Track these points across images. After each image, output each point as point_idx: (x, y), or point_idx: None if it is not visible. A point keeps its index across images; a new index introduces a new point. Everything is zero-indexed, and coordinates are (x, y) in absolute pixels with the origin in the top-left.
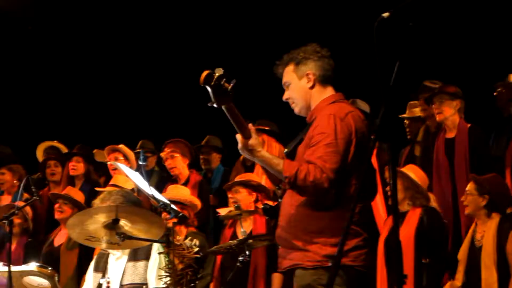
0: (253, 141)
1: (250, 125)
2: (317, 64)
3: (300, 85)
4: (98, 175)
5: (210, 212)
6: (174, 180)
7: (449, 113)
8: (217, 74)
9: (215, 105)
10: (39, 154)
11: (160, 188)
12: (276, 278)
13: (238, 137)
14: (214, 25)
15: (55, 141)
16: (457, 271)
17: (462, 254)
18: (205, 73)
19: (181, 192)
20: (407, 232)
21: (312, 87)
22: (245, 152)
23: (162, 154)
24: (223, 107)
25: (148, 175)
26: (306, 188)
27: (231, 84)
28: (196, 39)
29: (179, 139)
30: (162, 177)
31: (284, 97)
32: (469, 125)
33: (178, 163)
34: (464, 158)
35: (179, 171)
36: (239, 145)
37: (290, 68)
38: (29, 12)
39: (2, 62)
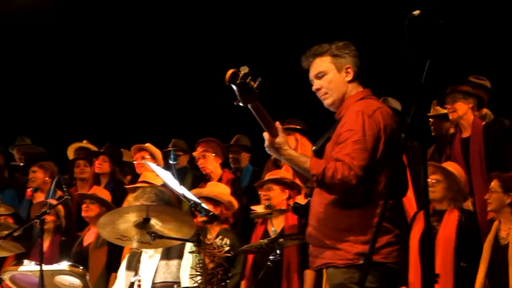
0: (280, 139)
1: (277, 123)
2: (353, 60)
3: (339, 77)
4: (124, 175)
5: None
6: (207, 179)
7: (463, 111)
8: (242, 73)
9: (241, 104)
10: (70, 155)
11: (195, 187)
12: (309, 275)
13: (265, 135)
14: (242, 23)
15: (85, 141)
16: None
17: (485, 253)
18: (230, 71)
19: (219, 190)
20: (447, 233)
21: (350, 81)
22: (272, 150)
23: (194, 154)
24: (249, 106)
25: (180, 174)
26: (334, 186)
27: (257, 82)
28: (225, 37)
29: (211, 138)
30: (196, 176)
31: (315, 87)
32: (483, 123)
33: (210, 163)
34: (478, 157)
35: (211, 171)
36: (266, 143)
37: (326, 59)
38: (56, 11)
39: (34, 63)
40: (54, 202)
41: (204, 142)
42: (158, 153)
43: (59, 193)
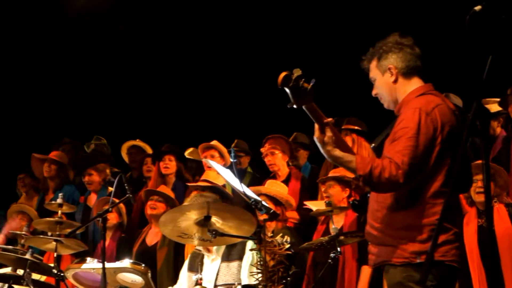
0: (326, 138)
1: (329, 119)
2: (398, 56)
3: (384, 80)
4: (190, 173)
5: None
6: (273, 176)
7: None
8: (295, 75)
9: (294, 106)
10: (124, 153)
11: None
12: (365, 271)
13: (316, 127)
14: (300, 22)
15: (137, 140)
16: None
17: None
18: (282, 74)
19: (278, 188)
20: (504, 228)
21: (395, 81)
22: (319, 145)
23: (262, 150)
24: (304, 107)
25: (241, 174)
26: (381, 184)
27: (311, 84)
28: (290, 37)
29: (280, 135)
30: (254, 178)
31: (373, 92)
32: None
33: (278, 160)
34: None
35: (278, 168)
36: (315, 136)
37: (373, 64)
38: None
39: (89, 62)
40: (116, 200)
41: (272, 139)
42: (225, 151)
43: (109, 189)
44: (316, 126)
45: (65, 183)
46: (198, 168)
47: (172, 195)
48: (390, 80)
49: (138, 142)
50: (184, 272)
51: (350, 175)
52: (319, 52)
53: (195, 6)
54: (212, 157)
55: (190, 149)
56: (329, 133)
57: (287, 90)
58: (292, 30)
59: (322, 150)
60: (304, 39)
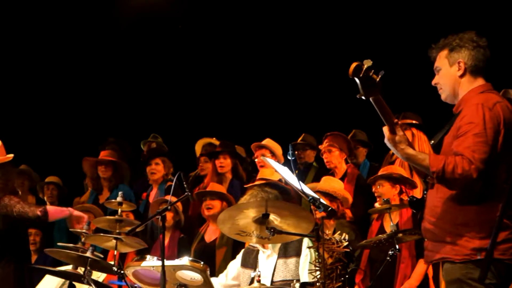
0: (398, 137)
1: (396, 120)
2: (471, 53)
3: (450, 72)
4: (246, 171)
5: None
6: (331, 174)
7: None
8: (365, 66)
9: (363, 97)
10: (198, 151)
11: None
12: (421, 264)
13: (385, 130)
14: (366, 17)
15: (214, 138)
16: None
17: None
18: (353, 64)
19: (334, 184)
20: None
21: (461, 76)
22: (390, 146)
23: (320, 147)
24: (371, 99)
25: (306, 169)
26: (455, 181)
27: (379, 76)
28: (348, 31)
29: (338, 132)
30: (319, 173)
31: (433, 81)
32: None
33: (335, 158)
34: None
35: (335, 165)
36: (386, 138)
37: (443, 53)
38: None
39: (159, 62)
40: (174, 199)
41: (331, 136)
42: (277, 149)
43: (168, 183)
44: (386, 127)
45: (119, 182)
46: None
47: (224, 190)
48: (456, 74)
49: (213, 140)
50: (234, 265)
51: (398, 171)
52: (372, 47)
53: (253, 4)
54: (263, 155)
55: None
56: (400, 132)
57: (357, 80)
58: (352, 25)
59: (394, 150)
60: (360, 35)
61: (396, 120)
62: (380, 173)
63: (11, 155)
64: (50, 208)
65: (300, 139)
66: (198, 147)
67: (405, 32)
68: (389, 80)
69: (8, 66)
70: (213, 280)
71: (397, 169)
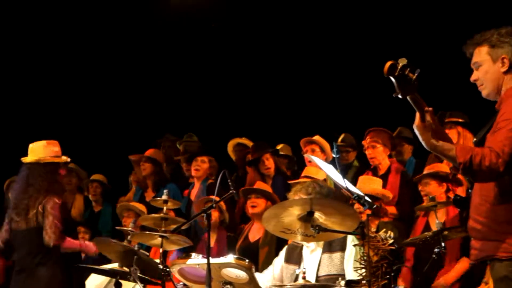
0: (426, 125)
1: (430, 108)
2: None
3: (494, 68)
4: (289, 169)
5: None
6: (373, 169)
7: None
8: (400, 65)
9: (399, 96)
10: (230, 151)
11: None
12: (464, 261)
13: (416, 116)
14: (405, 13)
15: (243, 138)
16: None
17: None
18: (388, 63)
19: (372, 185)
20: None
21: (506, 72)
22: (418, 133)
23: (363, 142)
24: (408, 98)
25: (346, 168)
26: (481, 172)
27: (415, 74)
28: (387, 29)
29: (382, 128)
30: (359, 172)
31: (472, 78)
32: None
33: (379, 154)
34: None
35: (379, 162)
36: (415, 124)
37: (483, 49)
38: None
39: (194, 61)
40: (217, 198)
41: (374, 132)
42: (327, 145)
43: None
44: (417, 114)
45: (163, 180)
46: (291, 163)
47: (270, 190)
48: (500, 70)
49: (244, 140)
50: (279, 261)
51: (445, 169)
52: (417, 46)
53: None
54: (313, 151)
55: (281, 145)
56: (427, 123)
57: (393, 79)
58: (393, 22)
59: (421, 138)
60: (404, 32)
61: (427, 108)
62: (426, 171)
63: (66, 158)
64: (68, 240)
65: (340, 139)
66: (230, 148)
67: (453, 30)
68: (437, 77)
69: (60, 64)
70: (257, 276)
71: (443, 167)
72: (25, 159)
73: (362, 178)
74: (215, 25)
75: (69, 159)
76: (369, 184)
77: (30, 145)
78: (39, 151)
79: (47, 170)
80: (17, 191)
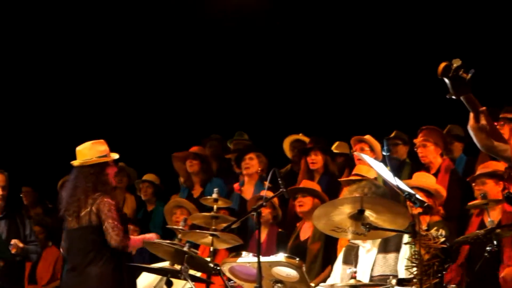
0: (480, 126)
1: (483, 108)
2: None
3: None
4: (337, 166)
5: None
6: (426, 168)
7: None
8: (454, 65)
9: (453, 97)
10: (286, 149)
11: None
12: None
13: (471, 116)
14: (455, 13)
15: (300, 134)
16: None
17: None
18: (442, 65)
19: (427, 180)
20: None
21: None
22: (472, 133)
23: (415, 141)
24: (461, 98)
25: (399, 166)
26: None
27: (469, 74)
28: (442, 28)
29: (434, 127)
30: (413, 169)
31: None
32: None
33: (430, 153)
34: None
35: (430, 160)
36: (469, 125)
37: None
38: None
39: (247, 59)
40: (269, 194)
41: (426, 131)
42: (377, 145)
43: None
44: (471, 114)
45: (211, 176)
46: (346, 162)
47: (318, 188)
48: None
49: (301, 136)
50: (338, 264)
51: (501, 168)
52: (471, 43)
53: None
54: (362, 150)
55: (337, 143)
56: (483, 121)
57: (447, 80)
58: (444, 20)
59: (475, 139)
60: (458, 30)
61: (481, 108)
62: (481, 170)
63: (114, 155)
64: (132, 238)
65: (392, 135)
66: (286, 145)
67: (502, 25)
68: (489, 73)
69: (112, 64)
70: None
71: (499, 166)
72: (73, 162)
73: (417, 174)
74: (279, 23)
75: (117, 156)
76: (424, 179)
77: (77, 148)
78: (85, 153)
79: (94, 171)
80: (67, 193)
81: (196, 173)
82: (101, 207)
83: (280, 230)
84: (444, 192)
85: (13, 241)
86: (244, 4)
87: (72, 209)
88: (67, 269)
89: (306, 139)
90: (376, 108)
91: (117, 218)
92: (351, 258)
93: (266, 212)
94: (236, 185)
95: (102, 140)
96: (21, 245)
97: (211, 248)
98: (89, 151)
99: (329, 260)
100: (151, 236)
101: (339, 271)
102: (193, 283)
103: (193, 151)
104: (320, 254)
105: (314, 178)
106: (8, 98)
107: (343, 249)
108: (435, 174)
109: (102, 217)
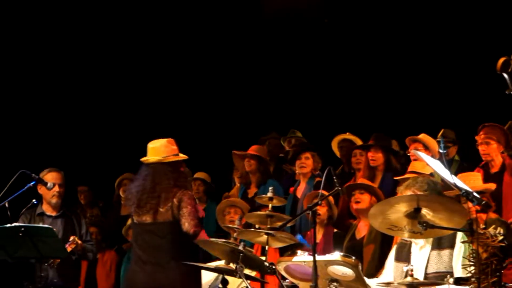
0: None
1: None
2: None
3: None
4: (400, 164)
5: None
6: (484, 165)
7: None
8: None
9: None
10: (334, 147)
11: None
12: None
13: None
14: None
15: (347, 133)
16: None
17: None
18: (501, 60)
19: (473, 182)
20: None
21: None
22: None
23: (477, 137)
24: None
25: (448, 164)
26: None
27: None
28: (494, 24)
29: (496, 124)
30: (461, 167)
31: None
32: None
33: (492, 151)
34: None
35: (491, 158)
36: None
37: None
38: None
39: (298, 57)
40: (325, 193)
41: (488, 128)
42: (432, 143)
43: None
44: None
45: (267, 177)
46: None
47: (375, 186)
48: None
49: (348, 136)
50: (390, 261)
51: None
52: None
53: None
54: (416, 149)
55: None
56: None
57: (506, 76)
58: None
59: None
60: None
61: None
62: None
63: (184, 156)
64: (203, 231)
65: (439, 135)
66: (334, 145)
67: None
68: None
69: (165, 64)
70: (372, 280)
71: None
72: (147, 159)
73: (461, 176)
74: (327, 21)
75: (186, 157)
76: (470, 181)
77: (150, 145)
78: (161, 150)
79: (172, 169)
80: (139, 189)
81: (253, 172)
82: (183, 197)
83: (336, 230)
84: (492, 186)
85: (72, 237)
86: (295, 2)
87: (147, 205)
88: (141, 261)
89: (354, 138)
90: (426, 106)
91: (196, 208)
92: (404, 255)
93: (323, 211)
94: (292, 189)
95: (173, 139)
96: (79, 241)
97: (266, 247)
98: (165, 149)
99: (384, 261)
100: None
101: (391, 268)
102: (248, 281)
103: (252, 151)
104: (377, 254)
105: (376, 176)
106: (66, 97)
107: (395, 245)
108: (499, 173)
109: (181, 204)
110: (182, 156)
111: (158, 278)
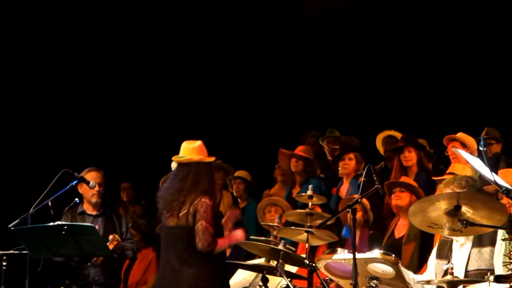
0: None
1: None
2: None
3: None
4: (432, 163)
5: None
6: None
7: None
8: None
9: None
10: (379, 145)
11: None
12: None
13: None
14: None
15: (392, 130)
16: None
17: None
18: None
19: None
20: None
21: None
22: None
23: None
24: None
25: (492, 161)
26: None
27: None
28: None
29: None
30: (509, 163)
31: None
32: None
33: None
34: None
35: None
36: None
37: None
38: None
39: (331, 55)
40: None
41: None
42: (471, 142)
43: (360, 178)
44: None
45: (311, 177)
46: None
47: (415, 184)
48: None
49: (393, 133)
50: (432, 259)
51: None
52: None
53: None
54: (454, 147)
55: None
56: None
57: None
58: None
59: None
60: None
61: None
62: None
63: (213, 158)
64: (219, 243)
65: (483, 133)
66: (379, 141)
67: None
68: None
69: (201, 63)
70: (415, 276)
71: None
72: (184, 159)
73: (501, 172)
74: (368, 19)
75: (215, 158)
76: (510, 177)
77: (186, 145)
78: (199, 150)
79: (208, 169)
80: (171, 190)
81: (299, 173)
82: (198, 208)
83: (371, 232)
84: None
85: (111, 236)
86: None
87: (174, 204)
88: (161, 265)
89: (399, 135)
90: (468, 104)
91: (211, 221)
92: (445, 252)
93: (358, 215)
94: (334, 189)
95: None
96: (119, 239)
97: (307, 245)
98: (202, 150)
99: (424, 260)
100: (237, 235)
101: (433, 265)
102: (289, 279)
103: (300, 153)
104: (416, 254)
105: (409, 176)
106: (111, 95)
107: (437, 243)
108: None
109: (197, 216)
110: (213, 158)
111: (175, 283)
